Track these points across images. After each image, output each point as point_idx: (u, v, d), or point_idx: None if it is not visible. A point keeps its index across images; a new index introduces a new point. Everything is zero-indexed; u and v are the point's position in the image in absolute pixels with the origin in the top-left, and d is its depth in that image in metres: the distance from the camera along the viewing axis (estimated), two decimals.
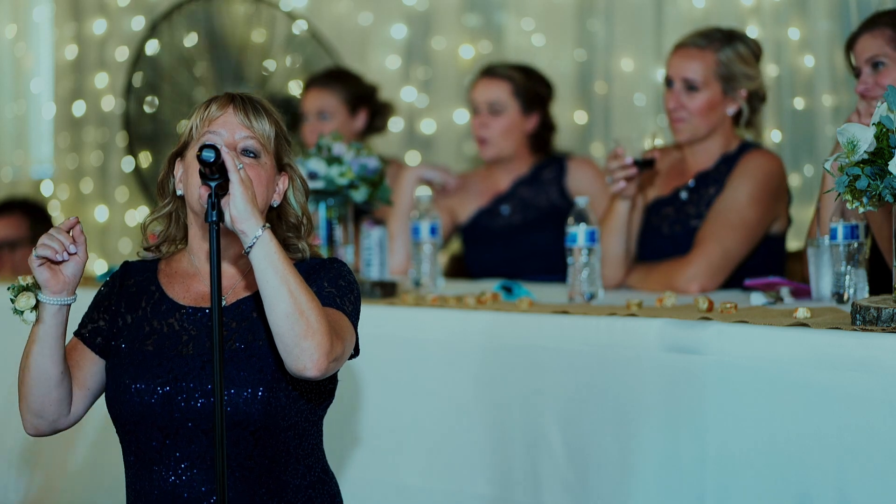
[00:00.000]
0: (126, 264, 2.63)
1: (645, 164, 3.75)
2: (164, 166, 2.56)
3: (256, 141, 2.48)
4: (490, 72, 4.49)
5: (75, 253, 2.40)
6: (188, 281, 2.56)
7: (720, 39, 3.84)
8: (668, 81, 3.87)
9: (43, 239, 2.40)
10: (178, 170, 2.53)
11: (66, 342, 2.50)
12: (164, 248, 2.60)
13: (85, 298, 2.62)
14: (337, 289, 2.47)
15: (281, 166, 2.54)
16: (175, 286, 2.56)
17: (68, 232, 2.41)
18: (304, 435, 2.51)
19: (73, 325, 2.56)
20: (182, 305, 2.53)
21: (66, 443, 3.89)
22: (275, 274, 2.32)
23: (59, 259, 2.40)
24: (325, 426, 2.60)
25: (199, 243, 2.54)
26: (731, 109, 3.84)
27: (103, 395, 2.55)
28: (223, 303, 2.49)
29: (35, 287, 2.44)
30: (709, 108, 3.82)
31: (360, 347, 2.55)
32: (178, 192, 2.53)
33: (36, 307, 2.44)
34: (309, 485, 2.52)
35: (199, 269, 2.56)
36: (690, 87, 3.82)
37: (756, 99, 3.87)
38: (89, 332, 2.56)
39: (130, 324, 2.54)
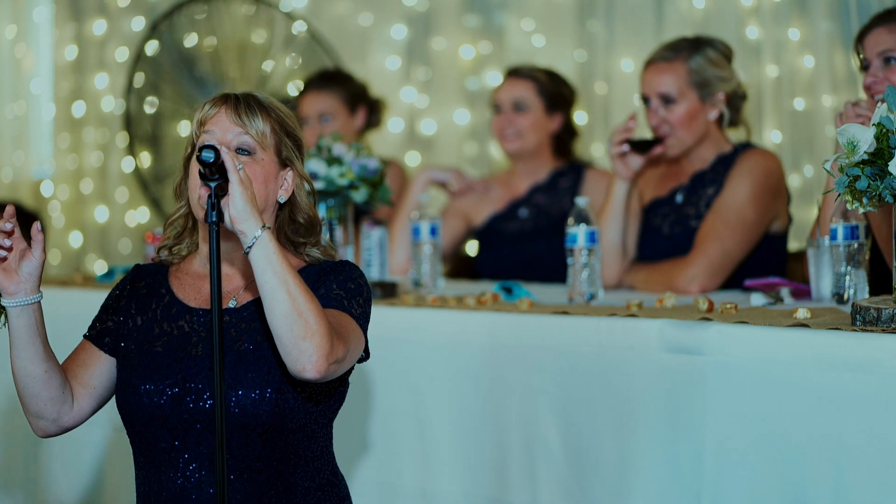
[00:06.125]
0: (137, 267, 2.63)
1: (653, 143, 3.78)
2: (180, 170, 2.55)
3: (250, 137, 2.46)
4: (514, 72, 4.51)
5: (11, 246, 2.40)
6: (199, 283, 2.56)
7: (687, 48, 3.83)
8: (645, 100, 3.87)
9: None
10: None
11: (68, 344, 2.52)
12: (177, 250, 2.59)
13: (94, 300, 2.62)
14: (346, 291, 2.46)
15: (283, 162, 2.51)
16: (186, 288, 2.56)
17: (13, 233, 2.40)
18: (313, 437, 2.50)
19: (83, 328, 2.58)
20: (192, 308, 2.53)
21: (76, 445, 3.88)
22: (273, 275, 2.31)
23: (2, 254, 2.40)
24: None
25: (205, 245, 2.54)
26: (712, 114, 3.84)
27: (114, 398, 2.54)
28: (234, 304, 2.50)
29: None
30: (690, 118, 3.81)
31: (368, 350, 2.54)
32: None
33: (2, 312, 2.44)
34: (318, 487, 2.51)
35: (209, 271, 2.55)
36: (667, 100, 3.82)
37: (736, 98, 3.87)
38: (97, 332, 2.56)
39: (140, 325, 2.53)
